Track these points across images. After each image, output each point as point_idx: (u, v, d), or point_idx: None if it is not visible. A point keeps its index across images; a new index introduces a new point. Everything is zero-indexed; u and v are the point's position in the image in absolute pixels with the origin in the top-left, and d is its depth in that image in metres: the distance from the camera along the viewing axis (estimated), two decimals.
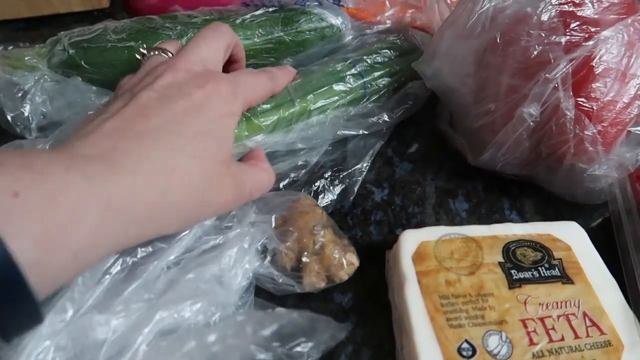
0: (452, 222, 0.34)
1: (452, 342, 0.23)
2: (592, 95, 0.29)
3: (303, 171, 0.36)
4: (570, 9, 0.30)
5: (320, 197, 0.34)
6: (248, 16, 0.40)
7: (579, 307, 0.25)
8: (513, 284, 0.26)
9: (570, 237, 0.29)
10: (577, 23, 0.29)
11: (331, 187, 0.35)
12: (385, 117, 0.38)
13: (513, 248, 0.28)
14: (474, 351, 0.23)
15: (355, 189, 0.35)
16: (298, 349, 0.24)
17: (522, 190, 0.36)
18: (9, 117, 0.35)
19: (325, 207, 0.34)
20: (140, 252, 0.25)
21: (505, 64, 0.31)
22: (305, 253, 0.28)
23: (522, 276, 0.26)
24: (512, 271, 0.27)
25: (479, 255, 0.27)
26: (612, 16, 0.29)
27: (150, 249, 0.25)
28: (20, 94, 0.35)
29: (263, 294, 0.28)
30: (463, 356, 0.23)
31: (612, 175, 0.31)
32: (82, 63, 0.36)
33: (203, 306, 0.24)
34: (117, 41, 0.37)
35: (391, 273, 0.29)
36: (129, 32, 0.37)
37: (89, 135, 0.21)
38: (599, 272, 0.28)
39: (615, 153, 0.31)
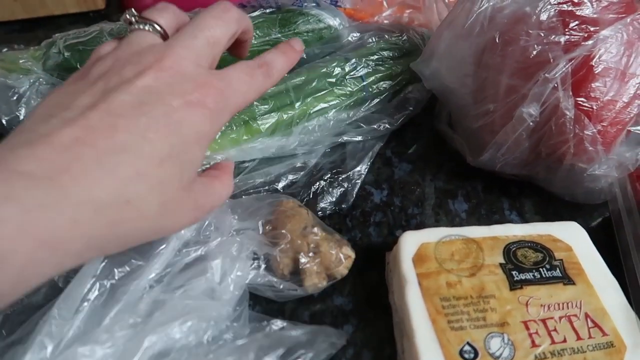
0: (451, 223, 0.34)
1: (453, 345, 0.23)
2: (592, 94, 0.29)
3: (302, 173, 0.35)
4: (569, 8, 0.29)
5: (319, 199, 0.34)
6: None
7: (580, 308, 0.25)
8: (514, 285, 0.26)
9: (571, 237, 0.29)
10: (576, 22, 0.29)
11: (330, 190, 0.35)
12: (387, 125, 0.38)
13: (514, 249, 0.28)
14: (476, 354, 0.23)
15: (355, 192, 0.35)
16: None
17: (521, 191, 0.36)
18: (3, 121, 0.35)
19: (323, 209, 0.34)
20: (118, 273, 0.23)
21: (504, 64, 0.31)
22: (302, 255, 0.28)
23: (523, 277, 0.26)
24: (513, 272, 0.26)
25: (480, 257, 0.27)
26: (611, 15, 0.29)
27: (127, 268, 0.24)
28: (15, 97, 0.35)
29: (260, 299, 0.28)
30: (465, 359, 0.23)
31: (612, 175, 0.31)
32: (78, 66, 0.36)
33: (193, 324, 0.23)
34: None
35: (391, 275, 0.29)
36: (125, 34, 0.37)
37: (41, 142, 0.18)
38: (600, 272, 0.27)
39: (615, 152, 0.31)
